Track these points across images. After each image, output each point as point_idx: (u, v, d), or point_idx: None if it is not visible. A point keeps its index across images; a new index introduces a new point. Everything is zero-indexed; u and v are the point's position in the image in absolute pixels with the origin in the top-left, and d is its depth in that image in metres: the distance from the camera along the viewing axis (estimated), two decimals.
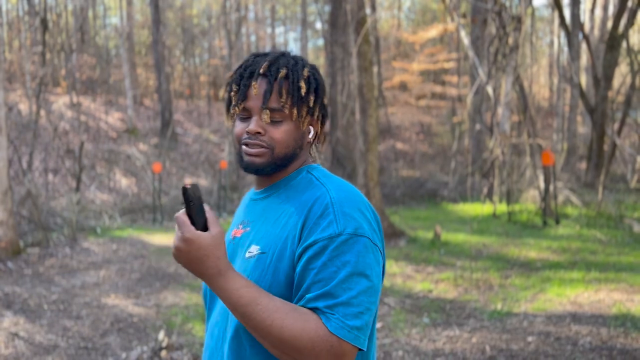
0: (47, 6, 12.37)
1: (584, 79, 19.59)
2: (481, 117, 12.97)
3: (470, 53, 10.11)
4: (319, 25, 28.58)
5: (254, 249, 1.11)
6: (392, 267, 6.42)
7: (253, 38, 28.73)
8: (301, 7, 24.14)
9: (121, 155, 15.71)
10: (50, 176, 13.36)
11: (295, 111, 1.12)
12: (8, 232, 7.08)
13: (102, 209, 11.24)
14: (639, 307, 4.63)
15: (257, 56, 1.17)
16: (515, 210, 9.82)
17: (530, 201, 10.63)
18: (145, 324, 4.67)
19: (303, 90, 1.12)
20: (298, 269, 1.04)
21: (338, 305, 0.98)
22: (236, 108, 1.14)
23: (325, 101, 1.19)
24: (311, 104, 1.14)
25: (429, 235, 8.16)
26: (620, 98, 14.03)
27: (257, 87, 1.11)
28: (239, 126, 1.16)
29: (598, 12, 18.01)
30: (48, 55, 17.15)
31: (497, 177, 10.42)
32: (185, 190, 1.03)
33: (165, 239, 8.66)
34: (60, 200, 11.52)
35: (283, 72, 1.12)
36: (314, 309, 1.00)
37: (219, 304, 1.17)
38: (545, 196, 8.96)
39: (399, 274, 6.14)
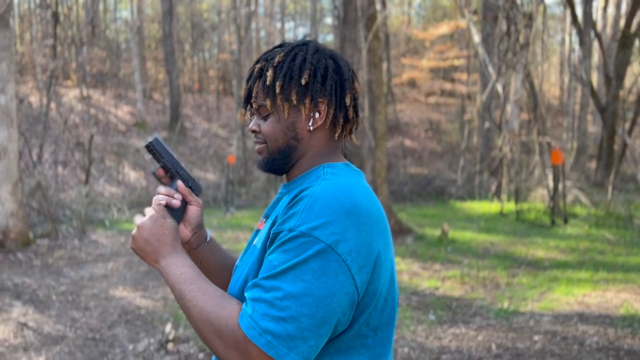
0: None
1: (595, 78, 19.45)
2: (490, 114, 12.90)
3: (481, 50, 10.06)
4: (328, 20, 28.54)
5: (255, 241, 1.13)
6: (399, 264, 6.41)
7: (263, 33, 28.74)
8: (311, 3, 24.09)
9: (130, 149, 15.78)
10: (60, 168, 13.46)
11: (268, 102, 1.09)
12: (18, 224, 7.14)
13: (111, 201, 11.30)
14: None
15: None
16: (524, 208, 9.77)
17: (538, 200, 10.57)
18: (152, 317, 4.70)
19: (269, 80, 1.08)
20: None
21: (261, 302, 0.93)
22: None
23: (307, 83, 1.07)
24: (278, 90, 1.07)
25: (436, 232, 8.15)
26: (632, 97, 13.91)
27: (246, 90, 1.15)
28: None
29: (611, 10, 17.86)
30: (59, 48, 17.24)
31: (506, 175, 10.38)
32: (148, 146, 1.14)
33: None
34: (70, 193, 11.60)
35: (258, 66, 1.12)
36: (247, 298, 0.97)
37: None
38: (554, 195, 8.92)
39: (406, 271, 6.14)
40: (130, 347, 4.04)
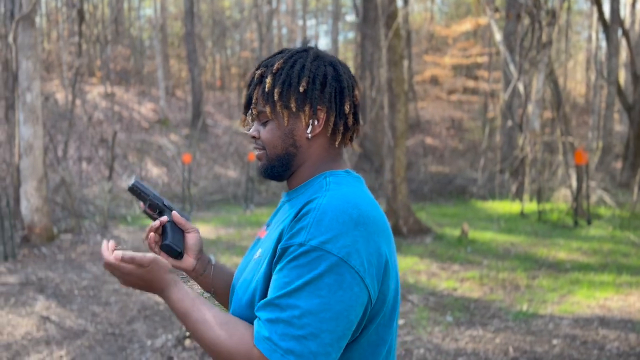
0: None
1: (622, 76, 19.03)
2: (512, 113, 12.74)
3: (502, 48, 9.92)
4: (349, 18, 28.47)
5: (259, 252, 1.11)
6: (417, 264, 6.38)
7: (284, 31, 28.80)
8: (333, 0, 24.05)
9: (153, 146, 15.98)
10: (84, 164, 13.70)
11: (268, 108, 1.10)
12: (42, 219, 7.30)
13: (133, 197, 11.47)
14: None
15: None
16: (546, 209, 9.63)
17: (561, 200, 10.41)
18: (170, 313, 4.76)
19: (268, 86, 1.08)
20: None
21: (279, 322, 0.92)
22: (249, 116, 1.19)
23: (306, 90, 1.08)
24: (277, 97, 1.07)
25: (456, 232, 8.08)
26: None
27: (246, 96, 1.15)
28: None
29: (639, 6, 17.43)
30: (84, 46, 17.53)
31: (528, 175, 10.24)
32: (131, 188, 1.24)
33: None
34: (93, 188, 11.81)
35: (258, 73, 1.12)
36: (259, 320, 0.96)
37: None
38: (577, 196, 8.76)
39: (424, 271, 6.11)
40: (149, 342, 4.10)
